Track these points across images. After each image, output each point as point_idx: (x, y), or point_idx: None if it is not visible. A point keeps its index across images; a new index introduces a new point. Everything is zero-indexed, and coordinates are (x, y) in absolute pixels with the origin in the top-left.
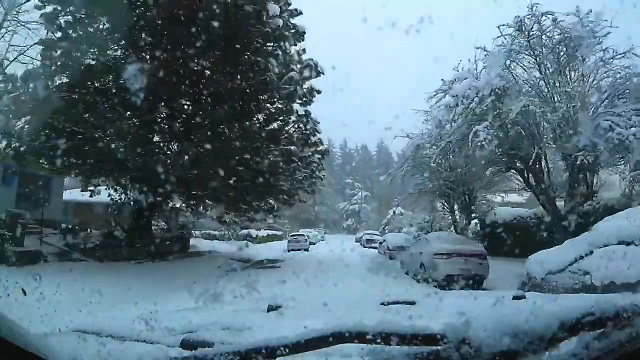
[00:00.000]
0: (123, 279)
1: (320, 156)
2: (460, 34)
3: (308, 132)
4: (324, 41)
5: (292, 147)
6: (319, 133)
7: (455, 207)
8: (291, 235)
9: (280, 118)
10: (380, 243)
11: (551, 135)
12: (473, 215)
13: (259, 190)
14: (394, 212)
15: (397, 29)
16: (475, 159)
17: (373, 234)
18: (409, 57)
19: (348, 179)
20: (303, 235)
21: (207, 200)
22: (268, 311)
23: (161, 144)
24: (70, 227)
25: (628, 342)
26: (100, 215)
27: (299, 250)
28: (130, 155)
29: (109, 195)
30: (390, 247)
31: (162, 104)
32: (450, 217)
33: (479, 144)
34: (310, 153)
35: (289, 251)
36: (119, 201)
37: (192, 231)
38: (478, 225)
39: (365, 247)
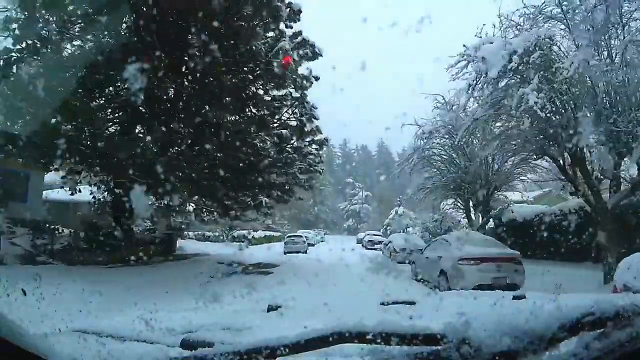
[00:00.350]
0: (80, 287)
1: (318, 147)
2: (460, 34)
3: (304, 118)
4: (323, 41)
5: (283, 131)
6: (317, 119)
7: (470, 204)
8: (288, 237)
9: (275, 103)
10: (385, 244)
11: (602, 104)
12: (491, 213)
13: (245, 184)
14: (396, 212)
15: (397, 29)
16: (503, 141)
17: (375, 235)
18: (409, 57)
19: (348, 178)
20: (301, 236)
21: (178, 194)
22: (268, 311)
23: (136, 131)
24: (40, 225)
25: (628, 342)
26: (87, 215)
27: (296, 252)
28: (102, 144)
29: (91, 192)
30: (397, 249)
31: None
32: (462, 216)
33: (528, 111)
34: (306, 143)
35: (285, 253)
36: (101, 199)
37: (186, 232)
38: (493, 224)
39: (368, 248)
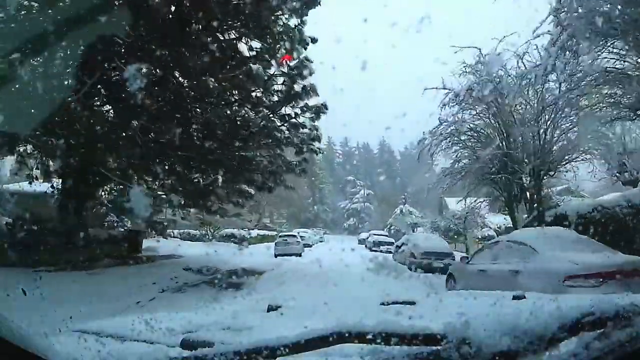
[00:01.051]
0: None
1: (313, 115)
2: (460, 34)
3: (294, 72)
4: (323, 41)
5: (253, 66)
6: (311, 74)
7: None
8: (280, 236)
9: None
10: (397, 247)
11: None
12: (543, 205)
13: (207, 161)
14: (401, 211)
15: (397, 29)
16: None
17: (381, 235)
18: (409, 56)
19: (349, 176)
20: (295, 236)
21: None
22: (268, 311)
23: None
24: None
25: (628, 342)
26: (22, 207)
27: (290, 255)
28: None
29: (49, 181)
30: (416, 253)
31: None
32: (489, 212)
33: None
34: (298, 110)
35: (276, 256)
36: (59, 189)
37: (170, 230)
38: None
39: (373, 250)
